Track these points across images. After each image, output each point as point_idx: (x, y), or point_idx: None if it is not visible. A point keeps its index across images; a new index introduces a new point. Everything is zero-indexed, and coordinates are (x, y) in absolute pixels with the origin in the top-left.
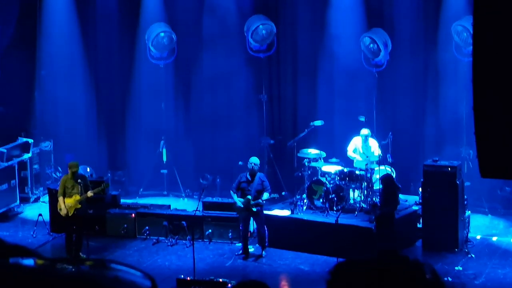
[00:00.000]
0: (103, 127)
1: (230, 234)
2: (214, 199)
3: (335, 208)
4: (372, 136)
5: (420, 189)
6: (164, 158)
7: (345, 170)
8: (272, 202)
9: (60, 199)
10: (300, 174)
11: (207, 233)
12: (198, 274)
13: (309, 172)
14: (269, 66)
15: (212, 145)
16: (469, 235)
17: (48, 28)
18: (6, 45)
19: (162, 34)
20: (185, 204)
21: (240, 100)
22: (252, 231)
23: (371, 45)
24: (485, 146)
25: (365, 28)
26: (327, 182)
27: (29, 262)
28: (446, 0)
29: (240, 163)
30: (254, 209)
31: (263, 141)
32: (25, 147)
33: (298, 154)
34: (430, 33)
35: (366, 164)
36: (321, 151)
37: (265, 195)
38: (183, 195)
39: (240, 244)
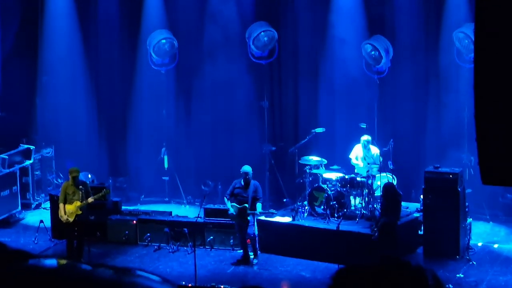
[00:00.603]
0: (104, 133)
1: (232, 240)
2: (216, 206)
3: (336, 215)
4: (373, 143)
5: (421, 196)
6: (166, 165)
7: (346, 177)
8: (273, 209)
9: (61, 205)
10: (301, 180)
11: (208, 239)
12: (200, 280)
13: (310, 178)
14: (271, 73)
15: (214, 152)
16: (470, 242)
17: (49, 35)
18: (8, 51)
19: (163, 41)
20: (186, 211)
21: (242, 106)
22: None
23: (373, 52)
24: (487, 153)
25: (367, 34)
26: (328, 189)
27: (51, 262)
28: (448, 7)
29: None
30: (249, 218)
31: (265, 148)
32: (27, 154)
33: (300, 161)
34: (431, 40)
35: (367, 171)
36: (322, 158)
37: (259, 206)
38: (184, 201)
39: (241, 251)
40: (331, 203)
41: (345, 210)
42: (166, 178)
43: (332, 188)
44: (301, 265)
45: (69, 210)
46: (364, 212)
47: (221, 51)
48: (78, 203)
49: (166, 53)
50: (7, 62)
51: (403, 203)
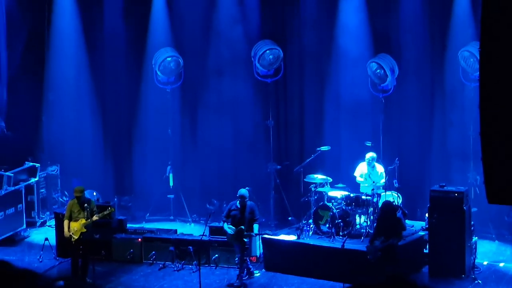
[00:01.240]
0: (110, 151)
1: (237, 259)
2: (221, 224)
3: (341, 233)
4: (378, 162)
5: (427, 214)
6: (171, 183)
7: (352, 195)
8: (278, 228)
9: (65, 222)
10: (306, 199)
11: (213, 258)
12: None
13: (316, 197)
14: (276, 91)
15: (219, 170)
16: (476, 261)
17: (56, 53)
18: (15, 69)
19: (169, 59)
20: (191, 229)
21: (247, 125)
22: (258, 256)
23: (378, 70)
24: (492, 172)
25: (372, 53)
26: (333, 207)
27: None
28: (453, 25)
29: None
30: (246, 240)
31: (270, 167)
32: (32, 172)
33: (305, 179)
34: (436, 59)
35: (373, 190)
36: (328, 177)
37: (256, 227)
38: (189, 220)
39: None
40: (336, 221)
41: (350, 228)
42: (172, 196)
43: (337, 207)
44: (306, 283)
45: (73, 228)
46: (370, 230)
47: (226, 69)
48: (83, 221)
49: (171, 71)
50: (14, 80)
51: (408, 222)
